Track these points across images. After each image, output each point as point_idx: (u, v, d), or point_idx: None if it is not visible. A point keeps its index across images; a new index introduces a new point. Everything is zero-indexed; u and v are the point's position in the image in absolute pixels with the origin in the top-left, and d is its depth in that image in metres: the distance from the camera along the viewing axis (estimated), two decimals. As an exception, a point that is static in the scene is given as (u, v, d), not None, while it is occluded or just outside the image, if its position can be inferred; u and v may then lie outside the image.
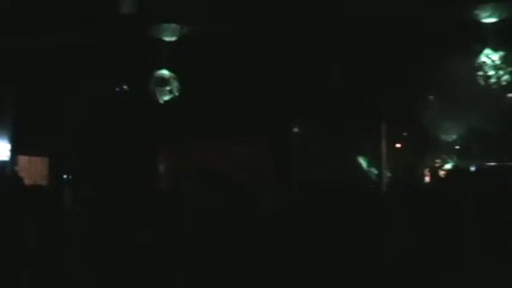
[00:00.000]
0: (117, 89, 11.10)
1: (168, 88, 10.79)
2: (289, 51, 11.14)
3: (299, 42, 11.05)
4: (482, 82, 10.48)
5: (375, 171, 11.79)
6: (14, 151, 12.00)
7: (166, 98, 10.86)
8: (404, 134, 11.95)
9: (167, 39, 11.14)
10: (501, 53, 10.35)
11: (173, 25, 10.90)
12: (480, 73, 10.51)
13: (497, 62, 10.41)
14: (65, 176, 11.07)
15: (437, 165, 11.82)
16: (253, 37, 11.27)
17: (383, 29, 10.82)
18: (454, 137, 11.59)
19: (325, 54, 11.16)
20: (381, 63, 11.34)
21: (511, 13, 10.20)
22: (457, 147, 11.66)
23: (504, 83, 10.41)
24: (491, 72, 10.47)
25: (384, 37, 10.96)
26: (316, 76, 11.37)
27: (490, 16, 10.23)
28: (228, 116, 11.26)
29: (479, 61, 10.51)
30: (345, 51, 11.10)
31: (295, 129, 11.74)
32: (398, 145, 12.01)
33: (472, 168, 10.54)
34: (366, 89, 11.54)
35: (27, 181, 8.33)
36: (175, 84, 10.92)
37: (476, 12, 10.19)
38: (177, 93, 10.89)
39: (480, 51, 10.48)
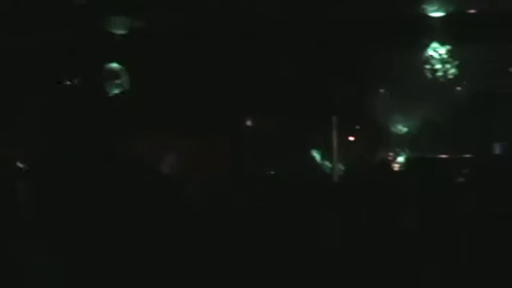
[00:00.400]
0: (66, 82, 11.06)
1: (118, 81, 10.91)
2: (241, 45, 11.27)
3: (250, 36, 11.20)
4: (429, 75, 10.90)
5: (328, 164, 11.91)
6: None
7: (116, 91, 10.96)
8: (357, 127, 12.05)
9: (118, 32, 11.32)
10: (448, 47, 10.77)
11: (123, 18, 11.05)
12: (427, 67, 10.92)
13: (444, 56, 10.75)
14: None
15: (390, 158, 11.82)
16: (205, 31, 11.40)
17: (333, 24, 11.09)
18: (404, 130, 11.67)
19: (277, 48, 11.31)
20: (331, 57, 11.56)
21: (458, 7, 10.54)
22: (409, 139, 11.73)
23: (451, 77, 10.81)
24: (438, 66, 10.84)
25: (334, 31, 11.19)
26: (268, 70, 11.52)
27: (437, 10, 10.57)
28: (181, 110, 11.30)
29: (426, 55, 10.91)
30: (296, 45, 11.29)
31: (249, 123, 11.76)
32: (351, 138, 12.10)
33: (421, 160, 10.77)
34: (317, 82, 11.75)
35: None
36: (125, 78, 11.03)
37: (424, 6, 10.54)
38: (127, 87, 10.99)
39: (427, 45, 10.92)
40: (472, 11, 10.56)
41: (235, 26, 10.78)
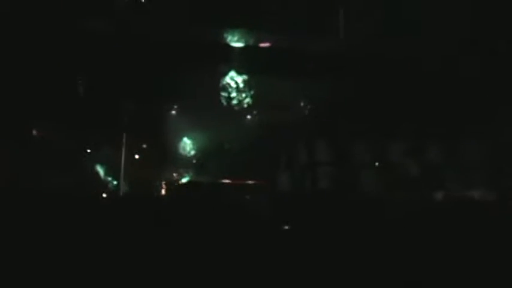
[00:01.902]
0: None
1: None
2: (35, 54, 10.65)
3: (48, 47, 10.64)
4: (224, 103, 11.38)
5: (112, 180, 11.67)
6: None
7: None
8: (144, 145, 12.04)
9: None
10: (244, 77, 11.42)
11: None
12: (224, 94, 11.37)
13: (241, 85, 11.28)
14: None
15: (174, 178, 12.17)
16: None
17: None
18: (192, 152, 12.08)
19: (69, 62, 10.91)
20: (126, 75, 11.47)
21: (257, 40, 11.26)
22: (194, 162, 12.09)
23: (245, 106, 11.37)
24: (233, 94, 11.32)
25: (128, 49, 11.20)
26: (59, 81, 11.02)
27: (237, 41, 11.23)
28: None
29: (223, 82, 11.36)
30: (88, 60, 11.10)
31: (36, 133, 11.06)
32: (137, 156, 12.05)
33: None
34: (107, 97, 11.57)
35: None
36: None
37: (226, 35, 11.11)
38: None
39: (225, 73, 11.43)
40: (266, 45, 11.30)
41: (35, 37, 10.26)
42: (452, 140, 11.96)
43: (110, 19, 10.68)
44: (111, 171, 11.69)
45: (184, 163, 12.02)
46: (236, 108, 11.45)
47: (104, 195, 11.55)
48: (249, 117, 11.92)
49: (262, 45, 11.21)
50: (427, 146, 11.91)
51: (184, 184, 11.92)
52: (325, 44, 11.07)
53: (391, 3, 11.35)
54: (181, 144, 11.95)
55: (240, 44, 11.19)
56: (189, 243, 7.53)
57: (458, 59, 11.59)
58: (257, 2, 10.98)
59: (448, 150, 11.90)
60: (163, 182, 11.95)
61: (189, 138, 11.96)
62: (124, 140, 11.63)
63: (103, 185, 11.66)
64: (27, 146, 11.15)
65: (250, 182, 11.27)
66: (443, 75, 11.61)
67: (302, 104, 11.93)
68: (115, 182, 11.68)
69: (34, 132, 11.22)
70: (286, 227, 8.22)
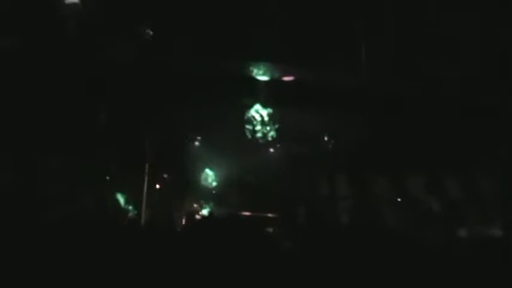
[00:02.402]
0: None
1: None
2: (56, 84, 10.80)
3: (69, 76, 10.78)
4: (249, 135, 11.44)
5: (133, 209, 11.78)
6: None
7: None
8: (165, 175, 12.19)
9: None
10: (269, 110, 11.44)
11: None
12: (248, 127, 11.46)
13: (266, 118, 11.37)
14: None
15: (195, 210, 12.28)
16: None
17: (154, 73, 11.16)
18: (214, 184, 12.26)
19: (92, 91, 11.07)
20: (147, 105, 11.60)
21: (282, 74, 11.30)
22: (215, 194, 12.28)
23: (270, 139, 11.46)
24: (258, 127, 11.40)
25: (151, 79, 11.25)
26: (83, 111, 11.18)
27: (263, 74, 11.27)
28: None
29: (248, 115, 11.45)
30: (110, 89, 11.19)
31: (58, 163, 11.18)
32: (158, 186, 12.19)
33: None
34: (130, 127, 11.74)
35: None
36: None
37: (251, 69, 11.17)
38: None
39: (251, 106, 11.49)
40: (291, 79, 11.34)
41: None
42: (473, 175, 12.16)
43: (131, 48, 10.70)
44: (133, 200, 11.93)
45: (205, 194, 12.34)
46: (259, 141, 11.31)
47: (124, 223, 11.67)
48: (272, 150, 12.19)
49: (286, 78, 11.26)
50: (449, 181, 12.14)
51: (203, 217, 12.16)
52: (350, 79, 11.03)
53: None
54: (203, 176, 12.28)
55: (264, 78, 11.23)
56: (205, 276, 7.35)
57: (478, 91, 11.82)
58: (282, 35, 11.27)
59: (470, 185, 12.12)
60: (184, 213, 12.24)
61: (211, 169, 12.29)
62: (146, 170, 11.87)
63: (124, 213, 11.85)
64: (50, 176, 11.32)
65: (270, 215, 11.55)
66: (462, 108, 11.80)
67: (326, 138, 12.09)
68: (136, 211, 11.87)
69: (56, 162, 11.39)
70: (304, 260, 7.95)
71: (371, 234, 9.63)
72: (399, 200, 11.79)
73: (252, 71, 11.15)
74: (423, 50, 11.38)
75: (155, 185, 12.10)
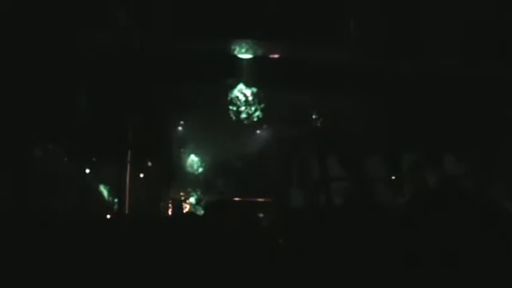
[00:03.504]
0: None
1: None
2: (33, 70, 10.42)
3: (47, 62, 10.40)
4: (233, 117, 11.13)
5: (117, 201, 11.36)
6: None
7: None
8: (148, 163, 11.79)
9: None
10: (254, 90, 11.21)
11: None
12: (232, 108, 11.11)
13: (250, 98, 11.01)
14: None
15: (181, 198, 11.84)
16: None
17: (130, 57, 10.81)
18: (200, 170, 11.87)
19: (69, 77, 10.70)
20: (127, 89, 11.15)
21: (266, 51, 11.02)
22: (202, 180, 11.87)
23: (255, 119, 11.10)
24: (242, 108, 11.04)
25: (129, 62, 10.82)
26: (59, 98, 10.78)
27: (245, 52, 10.96)
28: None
29: (232, 96, 11.11)
30: (87, 74, 10.81)
31: (34, 153, 10.75)
32: (141, 175, 11.76)
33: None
34: (112, 113, 11.28)
35: None
36: None
37: (233, 47, 10.86)
38: None
39: (233, 87, 11.22)
40: (276, 56, 11.04)
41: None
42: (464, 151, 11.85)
43: (110, 33, 10.43)
44: (114, 191, 11.48)
45: (191, 181, 11.89)
46: (245, 122, 11.22)
47: (108, 217, 11.29)
48: (258, 132, 11.78)
49: (271, 56, 11.01)
50: (443, 157, 11.80)
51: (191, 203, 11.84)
52: (339, 54, 10.71)
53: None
54: (189, 162, 11.86)
55: (248, 56, 10.94)
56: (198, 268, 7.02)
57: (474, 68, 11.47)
58: (265, 12, 10.85)
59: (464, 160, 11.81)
60: (171, 202, 11.81)
61: (196, 155, 11.86)
62: (129, 158, 11.35)
63: (107, 207, 11.46)
64: (25, 166, 10.93)
65: (261, 199, 11.11)
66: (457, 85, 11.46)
67: (314, 117, 11.72)
68: (119, 202, 11.31)
69: (31, 152, 10.98)
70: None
71: (368, 216, 9.79)
72: (394, 178, 11.46)
73: (235, 49, 10.84)
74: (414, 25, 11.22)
75: (138, 174, 11.62)
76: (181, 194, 11.85)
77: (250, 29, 10.45)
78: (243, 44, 10.68)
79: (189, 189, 11.86)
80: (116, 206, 11.41)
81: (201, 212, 11.24)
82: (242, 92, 11.10)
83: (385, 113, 11.36)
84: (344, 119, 11.38)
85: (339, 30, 10.85)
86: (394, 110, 11.32)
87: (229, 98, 11.12)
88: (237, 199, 11.00)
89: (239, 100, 11.11)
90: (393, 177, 11.47)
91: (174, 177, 11.83)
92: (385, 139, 11.41)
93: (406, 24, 10.93)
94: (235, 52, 10.86)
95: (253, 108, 11.12)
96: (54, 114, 10.86)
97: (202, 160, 11.80)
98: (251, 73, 10.99)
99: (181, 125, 11.82)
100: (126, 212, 11.29)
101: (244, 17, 10.46)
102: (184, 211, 11.66)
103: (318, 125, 11.68)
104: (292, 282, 7.03)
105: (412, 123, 11.20)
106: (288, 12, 10.74)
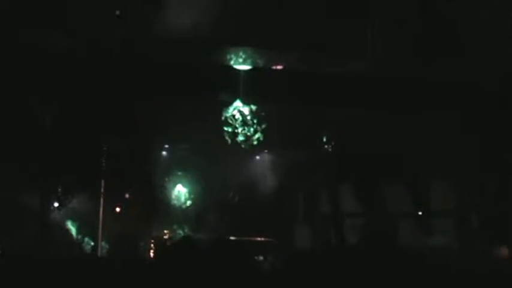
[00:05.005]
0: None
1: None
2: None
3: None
4: (229, 139, 9.67)
5: (89, 240, 10.10)
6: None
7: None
8: (126, 195, 10.49)
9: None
10: (252, 107, 9.68)
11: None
12: (227, 129, 9.69)
13: (248, 117, 9.65)
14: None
15: (165, 236, 10.80)
16: None
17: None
18: (188, 203, 10.73)
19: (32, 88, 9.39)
20: (102, 104, 9.82)
21: (268, 61, 9.62)
22: (191, 216, 10.82)
23: (255, 142, 9.73)
24: (239, 129, 9.67)
25: (107, 71, 9.37)
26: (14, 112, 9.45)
27: (243, 62, 9.54)
28: None
29: (227, 114, 9.70)
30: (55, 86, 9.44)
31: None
32: (117, 209, 10.66)
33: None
34: (82, 133, 9.88)
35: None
36: None
37: (229, 56, 9.41)
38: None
39: (229, 103, 9.66)
40: (280, 67, 9.67)
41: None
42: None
43: (81, 38, 8.94)
44: (86, 228, 10.36)
45: (178, 217, 10.84)
46: (242, 146, 9.43)
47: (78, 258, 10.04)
48: (258, 157, 10.80)
49: (273, 67, 9.61)
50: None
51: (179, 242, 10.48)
52: (353, 65, 9.36)
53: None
54: (175, 193, 10.76)
55: (246, 66, 9.49)
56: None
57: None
58: (266, 14, 9.53)
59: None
60: (152, 242, 10.78)
61: (184, 185, 10.79)
62: (102, 189, 10.22)
63: (76, 246, 10.34)
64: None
65: (260, 239, 10.04)
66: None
67: (324, 139, 10.54)
68: (92, 242, 10.33)
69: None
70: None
71: (390, 260, 8.62)
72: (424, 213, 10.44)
73: (231, 59, 9.44)
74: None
75: (114, 208, 10.60)
76: (165, 231, 10.82)
77: (249, 34, 9.12)
78: (241, 53, 9.30)
79: (175, 226, 10.84)
80: (86, 246, 10.42)
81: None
82: (239, 109, 9.48)
83: (411, 132, 10.14)
84: (361, 141, 10.23)
85: (355, 39, 9.70)
86: (424, 127, 10.11)
87: (223, 117, 9.46)
88: (232, 238, 9.93)
89: (235, 119, 9.47)
90: (423, 211, 10.50)
91: (157, 211, 10.65)
92: (412, 163, 10.38)
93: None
94: (231, 62, 9.48)
95: (252, 130, 9.47)
96: (10, 132, 9.59)
97: (191, 191, 10.83)
98: (250, 87, 9.55)
99: (166, 149, 10.76)
100: (98, 253, 10.26)
101: (242, 21, 9.10)
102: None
103: (329, 148, 10.57)
104: None
105: (448, 143, 10.09)
106: (293, 15, 9.36)
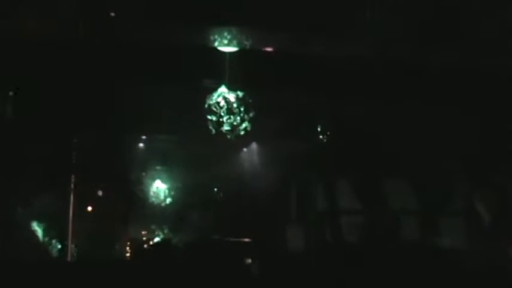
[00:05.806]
0: None
1: None
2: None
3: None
4: (212, 130, 8.95)
5: (56, 243, 9.66)
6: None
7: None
8: (99, 193, 10.10)
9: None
10: (239, 93, 8.90)
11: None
12: (211, 117, 8.99)
13: (234, 105, 9.02)
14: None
15: (143, 238, 10.41)
16: None
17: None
18: (168, 201, 10.35)
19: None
20: (70, 90, 9.32)
21: (256, 42, 8.83)
22: (171, 215, 10.51)
23: (242, 133, 9.09)
24: (224, 118, 9.03)
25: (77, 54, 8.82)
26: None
27: (228, 43, 8.78)
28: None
29: (210, 102, 9.01)
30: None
31: None
32: (90, 208, 10.19)
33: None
34: (48, 123, 9.43)
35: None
36: None
37: (212, 36, 8.68)
38: None
39: (213, 89, 8.93)
40: (270, 49, 9.08)
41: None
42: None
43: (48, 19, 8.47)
44: (53, 229, 9.74)
45: (156, 217, 10.43)
46: (228, 136, 8.75)
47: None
48: (245, 149, 10.32)
49: (262, 49, 8.99)
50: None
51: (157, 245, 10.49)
52: (353, 47, 8.67)
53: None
54: (153, 190, 10.33)
55: (232, 48, 8.84)
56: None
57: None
58: None
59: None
60: (129, 244, 10.43)
61: (162, 180, 10.38)
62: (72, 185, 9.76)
63: (42, 249, 9.71)
64: None
65: (248, 239, 9.83)
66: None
67: (319, 130, 10.13)
68: (59, 245, 9.78)
69: None
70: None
71: (392, 262, 8.21)
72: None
73: (215, 40, 8.72)
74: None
75: (85, 207, 10.07)
76: (143, 232, 10.42)
77: (234, 13, 8.42)
78: (225, 33, 8.62)
79: (154, 227, 10.43)
80: (53, 250, 9.81)
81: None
82: (224, 96, 8.73)
83: (416, 122, 9.78)
84: (359, 132, 9.96)
85: (353, 18, 9.02)
86: (429, 118, 9.74)
87: (207, 105, 8.71)
88: (216, 238, 9.73)
89: (220, 107, 8.75)
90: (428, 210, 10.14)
91: (134, 210, 10.33)
92: (416, 157, 10.00)
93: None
94: (215, 43, 8.76)
95: (238, 118, 8.74)
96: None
97: (171, 188, 10.42)
98: (236, 71, 8.96)
99: (143, 141, 10.33)
100: (68, 257, 9.88)
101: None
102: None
103: (325, 139, 10.14)
104: None
105: (456, 137, 9.68)
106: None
